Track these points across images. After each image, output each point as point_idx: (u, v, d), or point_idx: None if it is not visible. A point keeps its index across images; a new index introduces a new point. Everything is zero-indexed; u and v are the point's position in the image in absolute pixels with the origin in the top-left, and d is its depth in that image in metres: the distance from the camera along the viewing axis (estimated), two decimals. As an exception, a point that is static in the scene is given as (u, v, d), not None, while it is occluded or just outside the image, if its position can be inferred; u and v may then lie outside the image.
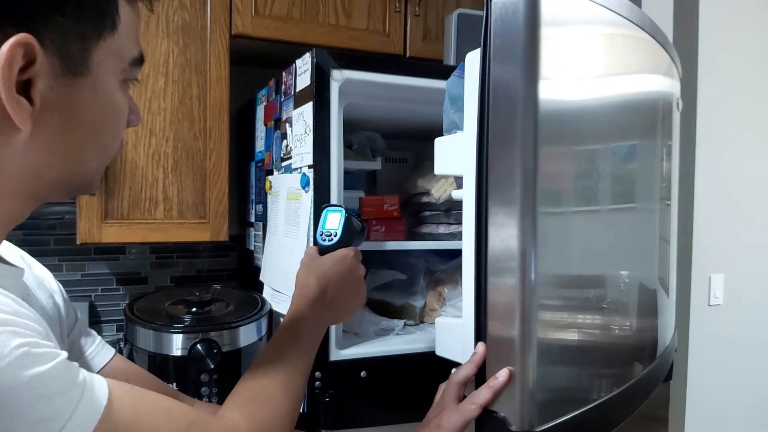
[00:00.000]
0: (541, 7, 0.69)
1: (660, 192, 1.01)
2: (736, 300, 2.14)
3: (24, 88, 0.48)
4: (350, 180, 1.42)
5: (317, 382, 1.05)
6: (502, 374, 0.70)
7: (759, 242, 2.19)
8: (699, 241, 2.04)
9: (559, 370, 0.78)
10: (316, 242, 0.93)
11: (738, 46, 2.07)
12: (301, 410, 1.10)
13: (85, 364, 0.76)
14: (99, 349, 0.80)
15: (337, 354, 1.09)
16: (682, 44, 1.98)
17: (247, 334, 1.15)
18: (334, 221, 0.92)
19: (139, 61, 0.58)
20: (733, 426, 2.16)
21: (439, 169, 0.90)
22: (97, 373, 0.73)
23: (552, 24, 0.71)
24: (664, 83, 1.01)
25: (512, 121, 0.70)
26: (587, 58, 0.79)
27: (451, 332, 0.86)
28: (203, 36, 1.40)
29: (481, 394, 0.72)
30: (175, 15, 1.37)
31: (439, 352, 0.90)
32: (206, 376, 1.09)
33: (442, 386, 0.82)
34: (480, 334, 0.75)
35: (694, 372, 2.05)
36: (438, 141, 0.90)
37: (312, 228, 1.07)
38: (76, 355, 0.76)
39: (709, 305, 2.10)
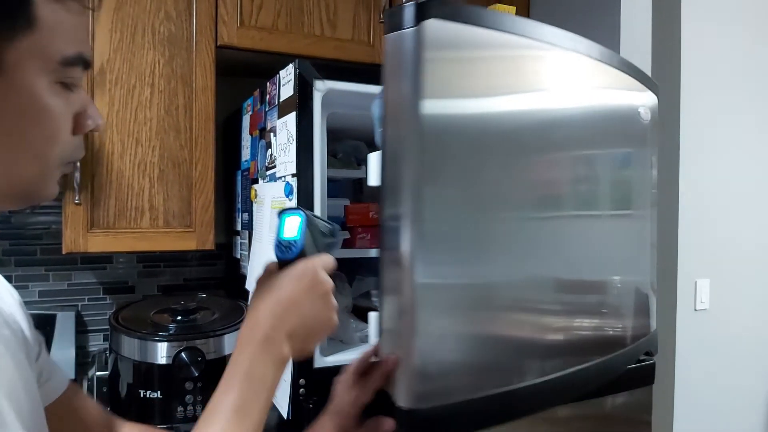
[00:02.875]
0: (425, 34, 0.73)
1: (598, 198, 1.05)
2: (722, 305, 2.16)
3: None
4: (336, 188, 1.43)
5: (301, 389, 1.05)
6: (390, 360, 0.76)
7: (744, 247, 2.21)
8: (684, 247, 2.06)
9: (445, 358, 0.82)
10: (276, 254, 0.76)
11: (720, 51, 2.10)
12: (285, 417, 1.10)
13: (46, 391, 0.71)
14: (55, 375, 0.74)
15: (321, 361, 1.10)
16: (664, 50, 2.01)
17: (232, 342, 1.15)
18: (292, 228, 0.76)
19: (77, 61, 0.53)
20: (720, 430, 2.17)
21: (370, 180, 0.93)
22: (53, 400, 0.71)
23: (437, 48, 0.75)
24: (590, 95, 1.02)
25: (402, 136, 0.76)
26: (474, 78, 0.82)
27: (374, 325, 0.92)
28: (189, 47, 1.41)
29: (373, 379, 0.78)
30: (161, 26, 1.38)
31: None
32: (191, 384, 1.09)
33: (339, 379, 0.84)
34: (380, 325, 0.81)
35: (681, 376, 2.07)
36: (369, 156, 0.94)
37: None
38: (45, 378, 0.71)
39: (695, 310, 2.12)
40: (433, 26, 0.73)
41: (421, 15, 0.72)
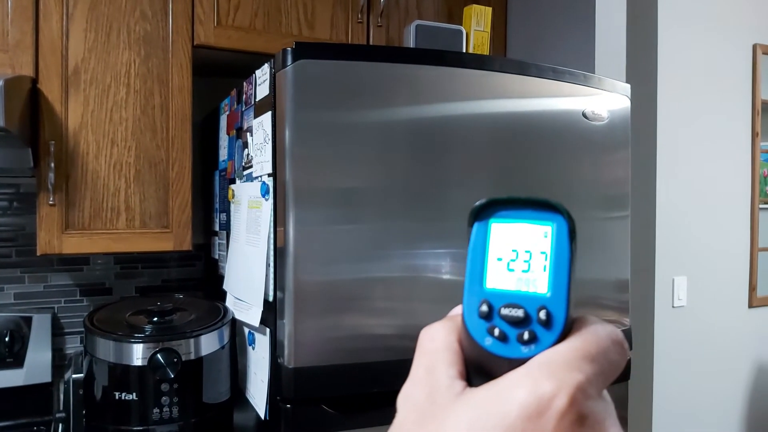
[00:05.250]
0: (288, 74, 1.03)
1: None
2: (699, 301, 2.20)
3: None
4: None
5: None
6: None
7: (720, 245, 2.25)
8: (662, 245, 2.09)
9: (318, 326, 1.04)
10: (469, 336, 0.29)
11: (696, 54, 2.13)
12: (263, 417, 1.10)
13: None
14: None
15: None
16: (640, 53, 2.03)
17: (209, 343, 1.15)
18: (538, 264, 0.29)
19: None
20: (698, 425, 2.21)
21: None
22: None
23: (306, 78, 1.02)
24: (505, 105, 1.17)
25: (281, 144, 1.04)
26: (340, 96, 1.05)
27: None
28: (165, 46, 1.40)
29: None
30: (136, 25, 1.37)
31: None
32: (167, 386, 1.08)
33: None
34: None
35: (659, 372, 2.10)
36: None
37: (272, 239, 1.08)
38: None
39: (673, 307, 2.15)
40: (304, 64, 1.03)
41: (295, 57, 1.02)
